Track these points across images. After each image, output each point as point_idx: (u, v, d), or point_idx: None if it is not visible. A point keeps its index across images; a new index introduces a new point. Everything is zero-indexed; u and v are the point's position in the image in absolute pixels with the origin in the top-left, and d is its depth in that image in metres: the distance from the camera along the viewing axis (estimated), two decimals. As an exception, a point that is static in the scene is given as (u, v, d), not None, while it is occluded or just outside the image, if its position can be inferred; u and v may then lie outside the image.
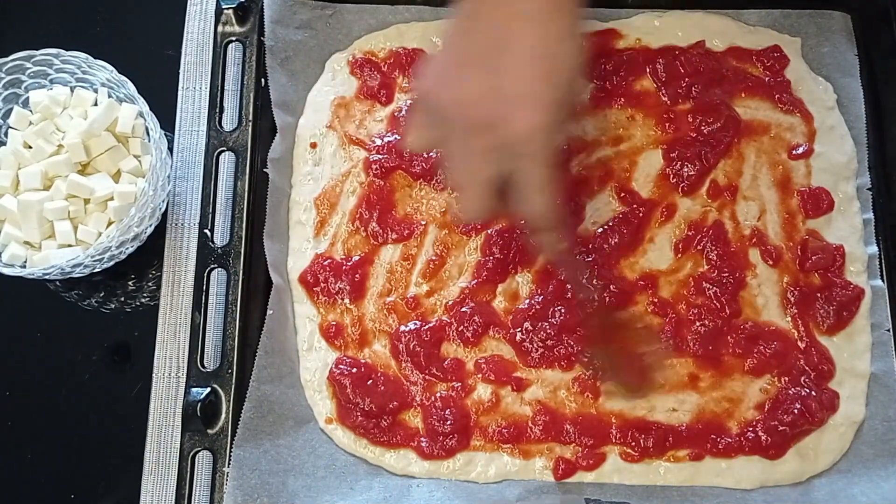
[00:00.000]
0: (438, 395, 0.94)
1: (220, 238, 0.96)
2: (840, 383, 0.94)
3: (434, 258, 0.98)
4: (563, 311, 0.95)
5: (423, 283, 0.98)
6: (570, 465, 0.91)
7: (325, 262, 0.98)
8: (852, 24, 1.05)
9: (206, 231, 0.95)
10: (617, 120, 1.03)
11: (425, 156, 1.00)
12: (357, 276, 0.97)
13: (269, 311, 0.94)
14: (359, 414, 0.93)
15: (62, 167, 0.96)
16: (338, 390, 0.93)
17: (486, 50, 0.76)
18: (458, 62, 0.79)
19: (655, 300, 0.97)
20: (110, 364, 1.00)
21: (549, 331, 0.95)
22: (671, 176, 1.01)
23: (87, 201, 0.96)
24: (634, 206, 1.00)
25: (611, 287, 0.96)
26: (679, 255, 0.98)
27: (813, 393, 0.92)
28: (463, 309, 0.96)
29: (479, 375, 0.94)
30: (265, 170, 0.97)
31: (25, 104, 1.00)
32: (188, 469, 0.89)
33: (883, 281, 0.97)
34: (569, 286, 0.94)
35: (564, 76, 0.77)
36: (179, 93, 1.07)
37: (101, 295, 1.02)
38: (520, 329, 0.95)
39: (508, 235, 0.98)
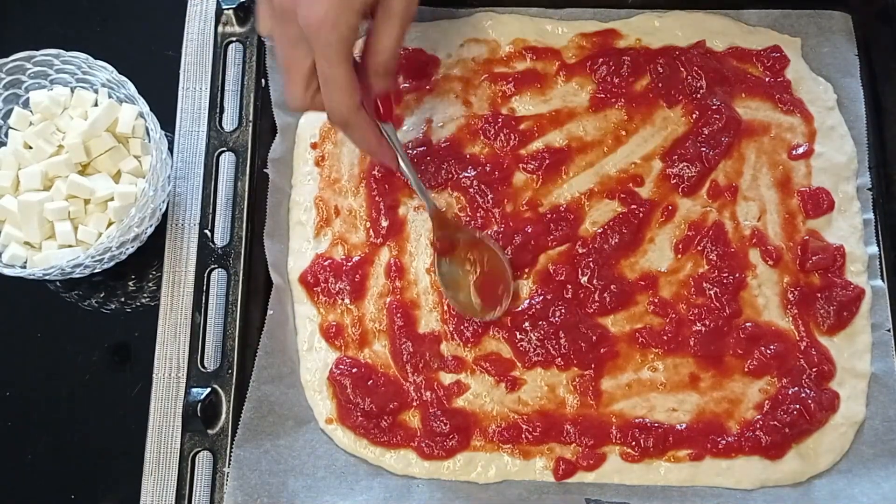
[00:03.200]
0: (437, 395, 0.94)
1: (220, 238, 0.96)
2: (840, 383, 0.94)
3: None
4: (562, 311, 0.95)
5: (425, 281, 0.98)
6: (571, 465, 0.91)
7: (326, 263, 0.98)
8: (852, 24, 1.05)
9: (207, 231, 0.95)
10: (617, 120, 1.03)
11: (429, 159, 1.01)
12: (357, 276, 0.97)
13: (270, 312, 0.94)
14: (359, 414, 0.93)
15: (62, 167, 0.96)
16: (338, 390, 0.94)
17: None
18: None
19: (656, 300, 0.96)
20: (110, 364, 1.00)
21: (548, 331, 0.95)
22: (671, 176, 1.01)
23: (87, 202, 0.96)
24: (634, 206, 1.00)
25: (611, 287, 0.96)
26: (679, 256, 0.98)
27: (813, 393, 0.92)
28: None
29: (478, 375, 0.95)
30: (265, 170, 0.98)
31: (26, 105, 1.00)
32: (188, 469, 0.89)
33: (883, 281, 0.97)
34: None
35: None
36: (180, 93, 1.07)
37: (102, 295, 1.02)
38: (519, 329, 0.95)
39: (508, 236, 0.98)
